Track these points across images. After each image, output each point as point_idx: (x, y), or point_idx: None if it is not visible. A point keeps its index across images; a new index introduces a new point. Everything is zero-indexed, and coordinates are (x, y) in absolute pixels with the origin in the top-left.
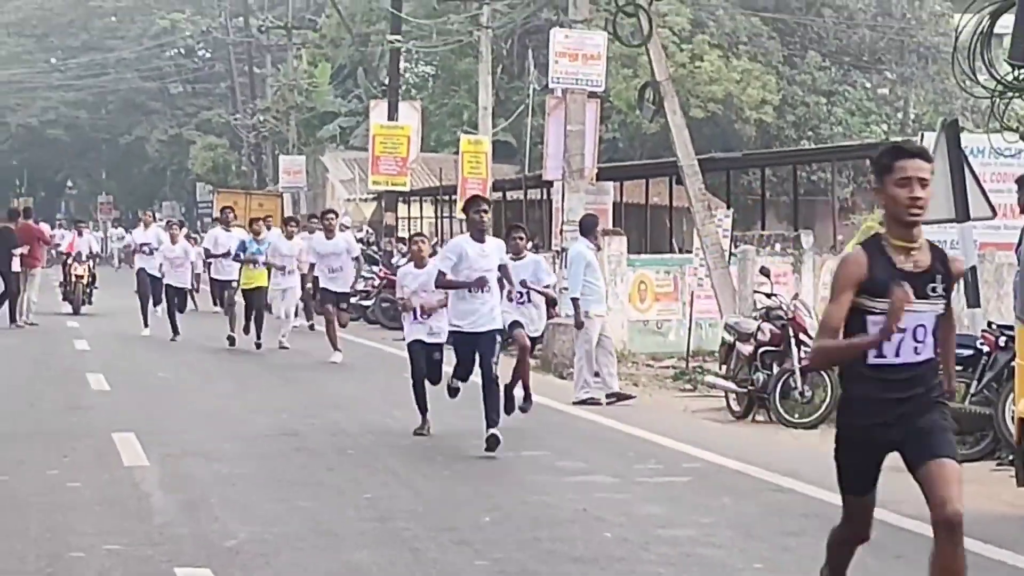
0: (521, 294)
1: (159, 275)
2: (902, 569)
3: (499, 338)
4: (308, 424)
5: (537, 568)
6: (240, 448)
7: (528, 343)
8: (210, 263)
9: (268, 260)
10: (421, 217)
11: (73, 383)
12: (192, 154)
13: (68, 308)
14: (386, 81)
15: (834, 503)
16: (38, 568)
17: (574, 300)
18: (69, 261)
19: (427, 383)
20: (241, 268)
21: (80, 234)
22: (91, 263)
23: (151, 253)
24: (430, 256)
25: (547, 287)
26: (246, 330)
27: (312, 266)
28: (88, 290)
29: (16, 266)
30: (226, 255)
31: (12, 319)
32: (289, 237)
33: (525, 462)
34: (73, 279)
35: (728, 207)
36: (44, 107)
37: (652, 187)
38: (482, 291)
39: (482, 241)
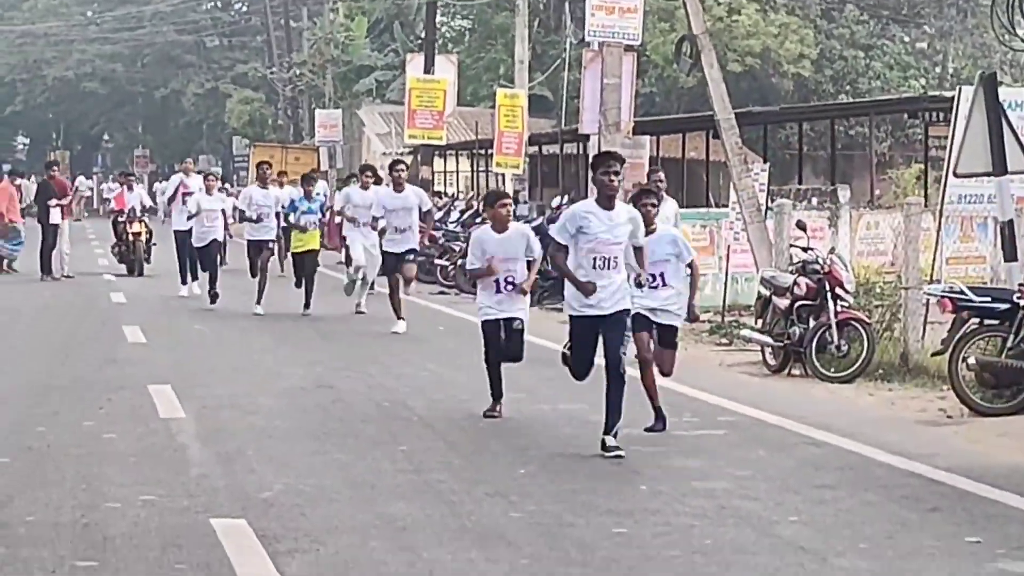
0: (653, 277)
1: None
2: (938, 522)
3: (628, 322)
4: (344, 377)
5: (572, 520)
6: (276, 401)
7: (649, 348)
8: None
9: (348, 214)
10: (457, 171)
11: (110, 336)
12: (228, 108)
13: (123, 270)
14: (422, 35)
15: (869, 456)
16: (74, 519)
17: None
18: (121, 219)
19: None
20: (288, 230)
21: (130, 188)
22: (146, 219)
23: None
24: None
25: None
26: (305, 293)
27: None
28: (148, 248)
29: (56, 218)
30: (257, 220)
31: (47, 271)
32: (364, 187)
33: (561, 416)
34: (130, 238)
35: (765, 161)
36: (80, 60)
37: (688, 141)
38: (608, 267)
39: (611, 208)
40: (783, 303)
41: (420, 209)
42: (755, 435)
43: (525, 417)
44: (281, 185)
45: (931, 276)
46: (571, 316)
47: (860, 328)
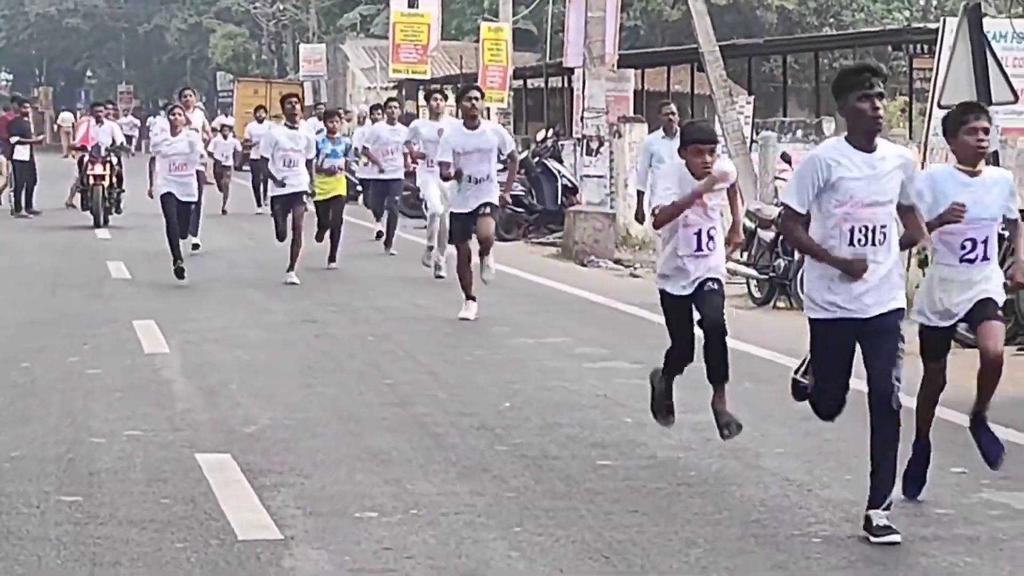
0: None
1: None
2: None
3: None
4: (329, 311)
5: (557, 453)
6: (261, 335)
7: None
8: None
9: (416, 149)
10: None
11: (94, 271)
12: (212, 43)
13: (89, 219)
14: None
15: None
16: (58, 454)
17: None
18: (85, 159)
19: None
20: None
21: (99, 121)
22: (114, 159)
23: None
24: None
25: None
26: (331, 244)
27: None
28: (114, 196)
29: (23, 154)
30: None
31: (19, 208)
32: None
33: (546, 348)
34: (91, 181)
35: (749, 94)
36: None
37: (673, 74)
38: (874, 241)
39: (871, 149)
40: (768, 236)
41: (501, 152)
42: (740, 368)
43: (510, 350)
44: (261, 121)
45: None
46: (814, 320)
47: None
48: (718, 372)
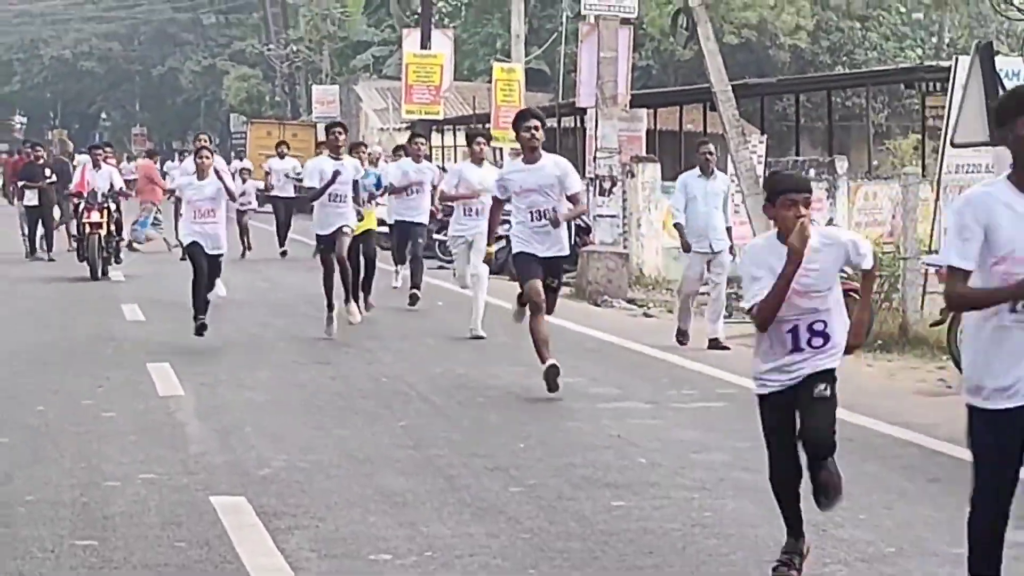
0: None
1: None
2: (937, 492)
3: None
4: (342, 352)
5: (572, 494)
6: (274, 377)
7: None
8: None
9: (454, 193)
10: (455, 146)
11: (107, 313)
12: (226, 85)
13: (86, 271)
14: (419, 10)
15: (868, 427)
16: (73, 497)
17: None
18: (81, 205)
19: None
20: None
21: (96, 165)
22: (112, 206)
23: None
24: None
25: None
26: (364, 283)
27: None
28: (112, 245)
29: (31, 199)
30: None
31: (31, 251)
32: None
33: (561, 388)
34: (87, 230)
35: (762, 133)
36: (77, 39)
37: (686, 114)
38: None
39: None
40: None
41: (563, 187)
42: (754, 407)
43: (524, 391)
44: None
45: (930, 246)
46: (978, 411)
47: (859, 299)
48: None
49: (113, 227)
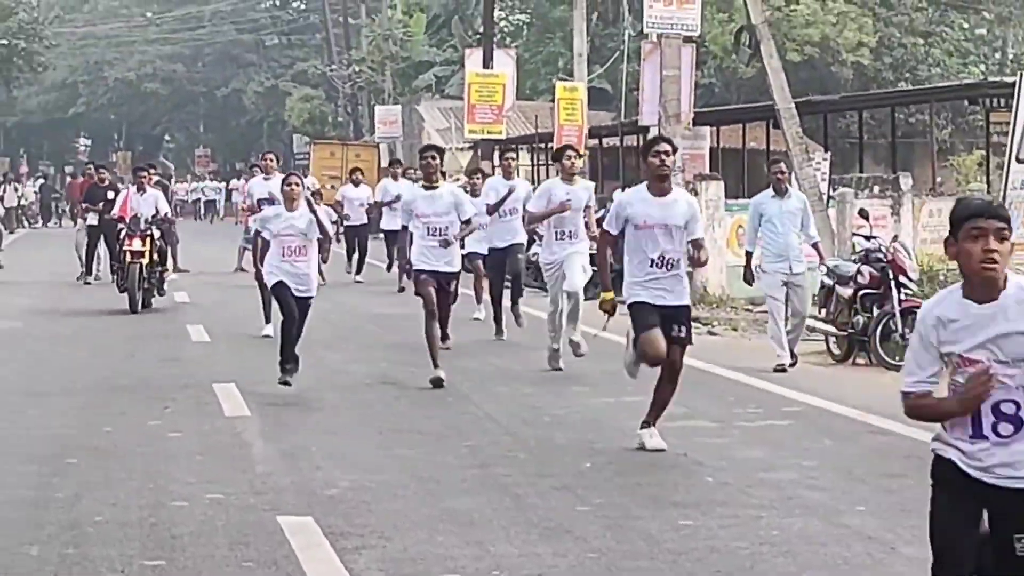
0: None
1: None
2: None
3: None
4: (407, 372)
5: (639, 513)
6: (340, 397)
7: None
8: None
9: (543, 211)
10: (517, 165)
11: (173, 334)
12: (288, 106)
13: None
14: (481, 29)
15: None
16: (141, 517)
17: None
18: (122, 233)
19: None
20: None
21: (141, 188)
22: (155, 234)
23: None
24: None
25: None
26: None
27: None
28: (154, 276)
29: (93, 220)
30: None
31: (87, 272)
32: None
33: (625, 408)
34: (128, 259)
35: (826, 150)
36: (141, 61)
37: (749, 131)
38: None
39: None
40: (847, 292)
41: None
42: (820, 425)
43: (589, 410)
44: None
45: None
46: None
47: None
48: None
49: (156, 256)
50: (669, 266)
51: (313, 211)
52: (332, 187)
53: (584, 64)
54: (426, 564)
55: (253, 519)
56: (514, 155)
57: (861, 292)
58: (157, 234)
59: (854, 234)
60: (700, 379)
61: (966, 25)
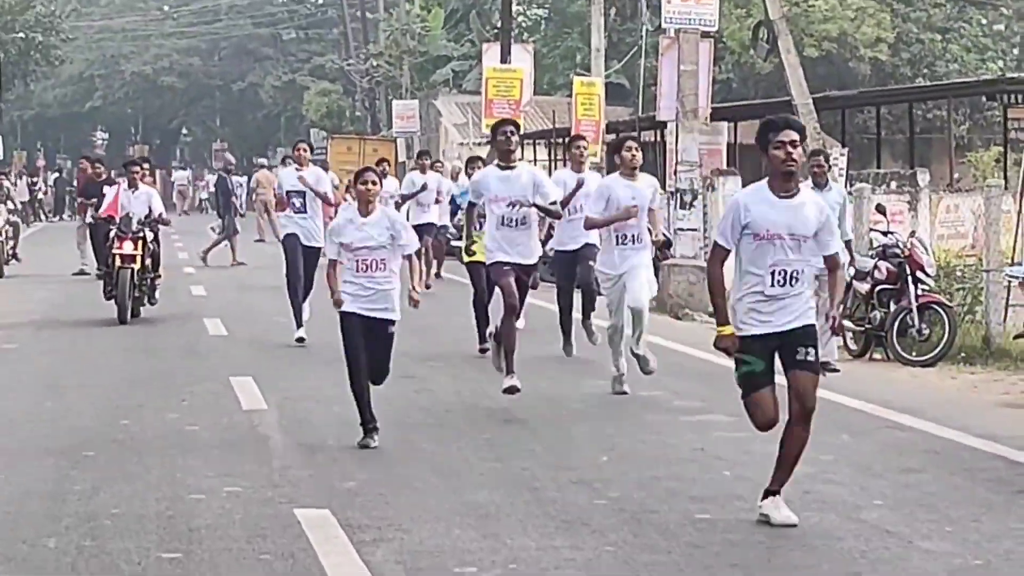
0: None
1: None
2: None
3: None
4: (427, 367)
5: (656, 507)
6: None
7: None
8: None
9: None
10: (535, 160)
11: (191, 328)
12: (306, 100)
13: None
14: (499, 24)
15: (953, 440)
16: (159, 511)
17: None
18: (111, 233)
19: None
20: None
21: (133, 185)
22: (147, 235)
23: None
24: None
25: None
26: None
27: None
28: (147, 282)
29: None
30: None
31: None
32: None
33: (642, 402)
34: (117, 262)
35: (843, 146)
36: (157, 55)
37: None
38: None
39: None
40: (864, 287)
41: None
42: (838, 420)
43: (606, 404)
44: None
45: (1012, 258)
46: None
47: (941, 312)
48: None
49: (149, 260)
50: (793, 281)
51: (391, 221)
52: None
53: (601, 59)
54: (443, 557)
55: (270, 512)
56: (585, 142)
57: (878, 287)
58: (150, 236)
59: (871, 229)
60: (717, 373)
61: (984, 21)
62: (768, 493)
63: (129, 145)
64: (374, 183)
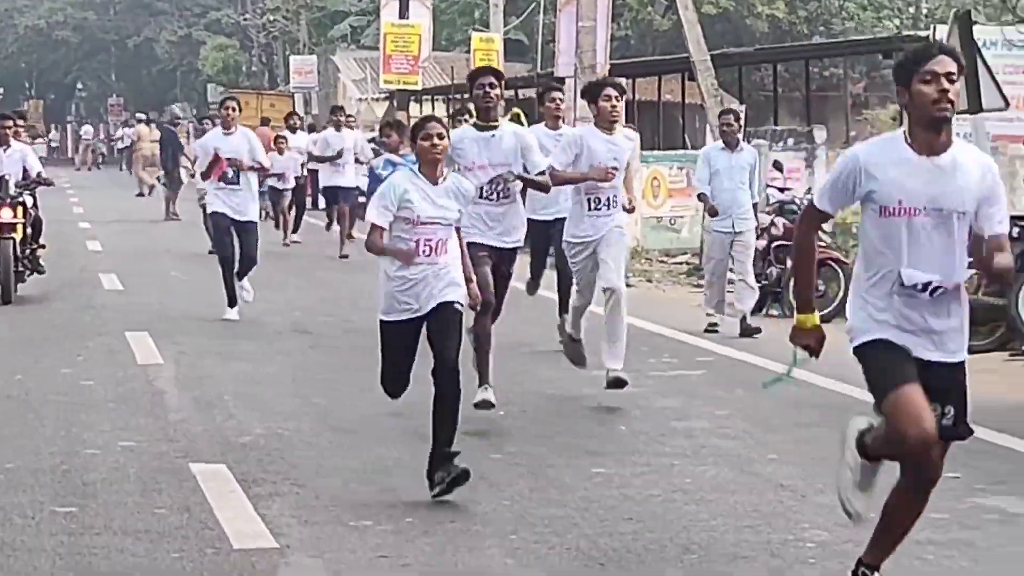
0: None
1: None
2: None
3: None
4: (322, 322)
5: (552, 461)
6: (254, 346)
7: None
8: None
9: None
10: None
11: (86, 283)
12: (202, 55)
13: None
14: None
15: (848, 395)
16: (53, 465)
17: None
18: None
19: None
20: None
21: (3, 142)
22: (29, 200)
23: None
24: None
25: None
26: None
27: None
28: (26, 254)
29: None
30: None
31: None
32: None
33: (539, 357)
34: None
35: (741, 103)
36: (52, 8)
37: (664, 84)
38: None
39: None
40: (760, 244)
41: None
42: (733, 375)
43: (504, 360)
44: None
45: None
46: None
47: (837, 268)
48: None
49: (29, 229)
50: (934, 291)
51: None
52: None
53: (500, 15)
54: (339, 511)
55: (166, 466)
56: (561, 93)
57: (775, 244)
58: (30, 201)
59: (768, 186)
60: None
61: None
62: (867, 568)
63: (23, 100)
64: (441, 136)
